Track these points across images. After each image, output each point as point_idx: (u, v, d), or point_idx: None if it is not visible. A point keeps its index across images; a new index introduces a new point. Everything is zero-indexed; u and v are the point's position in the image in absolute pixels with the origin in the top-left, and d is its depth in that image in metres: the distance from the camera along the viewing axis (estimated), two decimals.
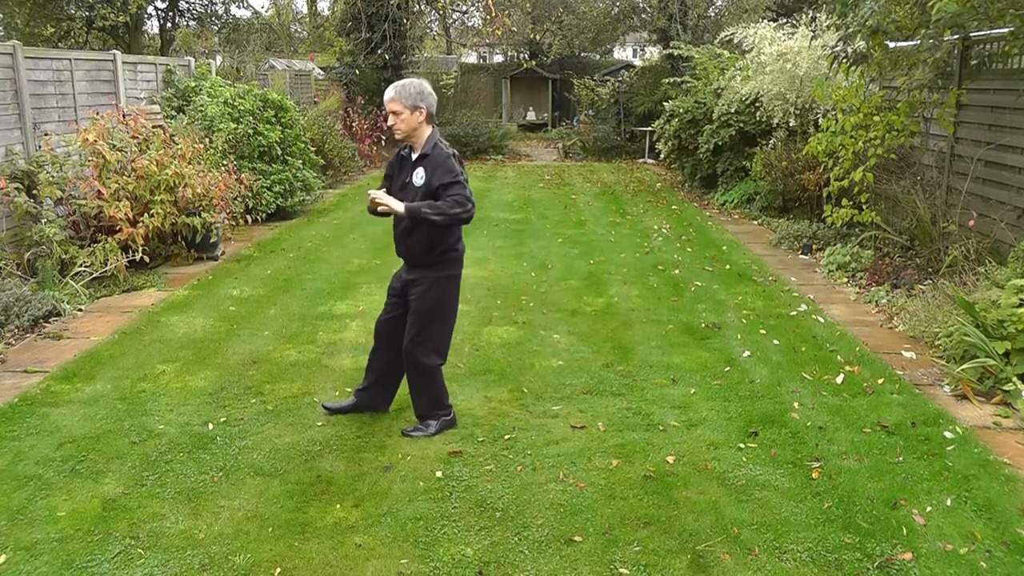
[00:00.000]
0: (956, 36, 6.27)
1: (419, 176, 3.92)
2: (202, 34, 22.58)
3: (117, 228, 6.89)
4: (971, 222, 6.28)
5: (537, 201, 12.25)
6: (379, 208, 3.89)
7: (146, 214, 7.16)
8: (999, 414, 4.42)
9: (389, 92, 3.90)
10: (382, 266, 7.71)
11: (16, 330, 5.71)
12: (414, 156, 3.98)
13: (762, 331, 5.83)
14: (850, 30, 6.53)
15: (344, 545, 3.21)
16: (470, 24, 27.64)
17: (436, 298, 4.04)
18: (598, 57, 27.59)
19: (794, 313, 6.28)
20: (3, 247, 6.61)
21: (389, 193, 4.01)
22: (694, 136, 12.12)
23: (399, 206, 3.82)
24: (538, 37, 24.99)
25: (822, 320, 6.09)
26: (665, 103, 13.17)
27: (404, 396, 4.47)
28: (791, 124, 9.81)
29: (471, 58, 36.65)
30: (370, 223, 9.90)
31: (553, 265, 7.94)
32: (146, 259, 7.23)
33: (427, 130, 3.94)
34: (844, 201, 7.54)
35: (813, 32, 9.89)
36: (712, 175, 12.08)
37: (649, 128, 16.46)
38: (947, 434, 4.14)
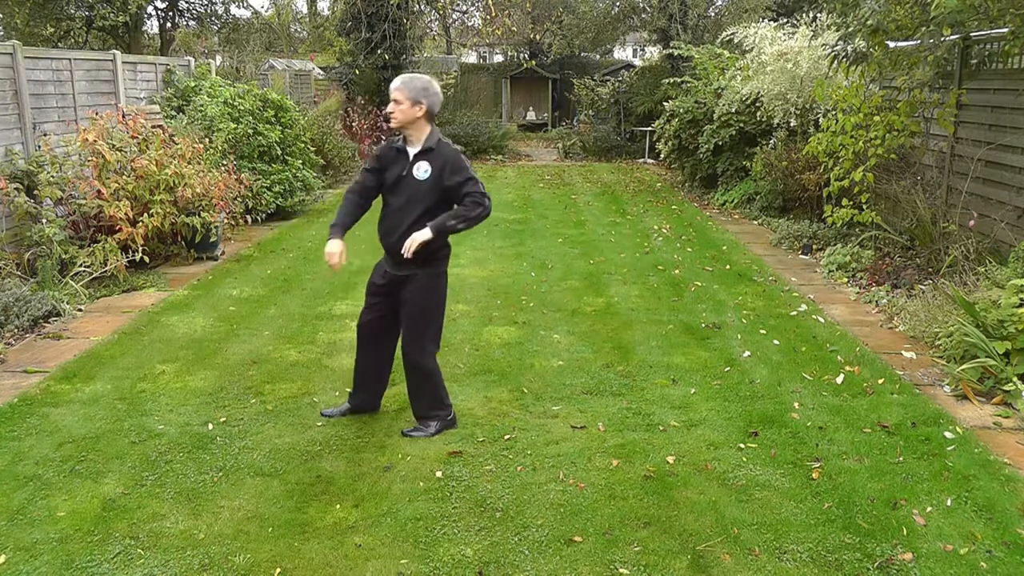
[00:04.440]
0: (956, 36, 6.27)
1: (422, 170, 3.88)
2: (202, 34, 22.58)
3: (117, 228, 6.88)
4: (971, 222, 6.27)
5: (537, 201, 12.25)
6: (409, 255, 3.83)
7: (146, 214, 7.16)
8: (999, 414, 4.41)
9: (396, 81, 3.92)
10: None
11: (16, 330, 5.71)
12: (412, 150, 3.95)
13: (762, 331, 5.83)
14: (850, 29, 6.53)
15: (344, 545, 3.21)
16: (470, 24, 27.63)
17: (431, 294, 4.04)
18: (598, 57, 27.59)
19: (794, 313, 6.28)
20: (3, 247, 6.60)
21: (381, 186, 4.00)
22: (694, 136, 12.12)
23: (424, 236, 3.79)
24: (538, 37, 24.98)
25: (822, 320, 6.09)
26: (665, 103, 13.16)
27: (405, 395, 4.47)
28: (791, 124, 9.80)
29: (471, 58, 36.64)
30: (370, 223, 9.86)
31: (553, 265, 7.94)
32: (146, 259, 7.23)
33: (426, 127, 3.93)
34: (844, 201, 7.54)
35: (813, 31, 9.89)
36: (712, 175, 12.08)
37: (649, 128, 16.46)
38: (947, 434, 4.13)
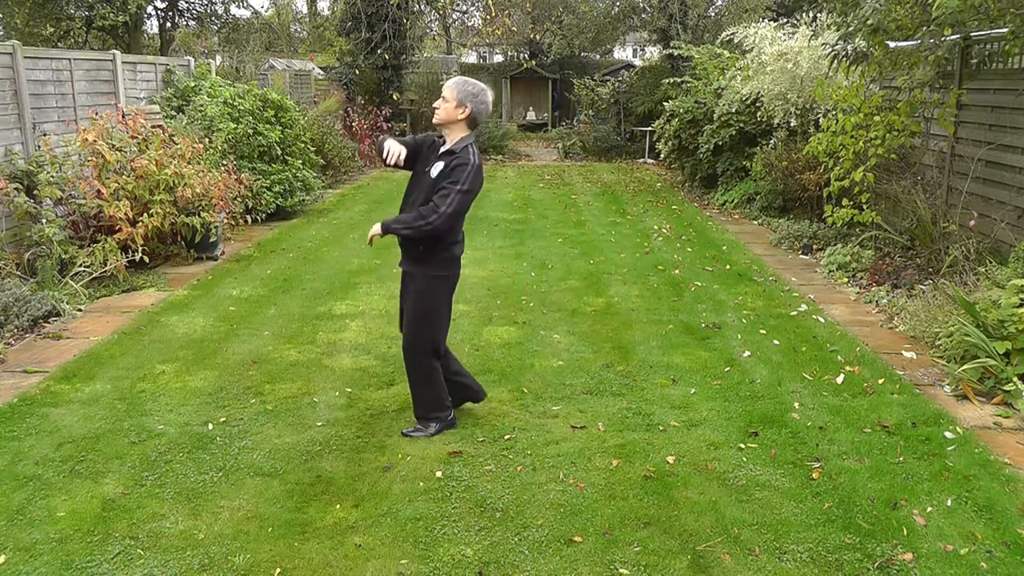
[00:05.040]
0: (957, 35, 6.27)
1: (436, 169, 3.92)
2: (202, 34, 22.58)
3: (117, 228, 6.88)
4: (972, 222, 6.28)
5: (537, 201, 12.25)
6: (368, 244, 4.00)
7: (146, 214, 7.16)
8: (999, 414, 4.41)
9: (450, 80, 4.00)
10: (382, 266, 7.71)
11: (16, 330, 5.71)
12: (441, 149, 3.97)
13: (762, 331, 5.83)
14: (850, 29, 6.53)
15: (344, 545, 3.20)
16: (470, 24, 27.64)
17: (427, 297, 4.03)
18: (598, 57, 27.61)
19: (794, 313, 6.28)
20: (3, 247, 6.60)
21: (412, 167, 4.05)
22: (694, 136, 12.12)
23: (375, 230, 3.91)
24: (538, 37, 24.99)
25: (822, 320, 6.09)
26: (665, 103, 13.16)
27: (405, 396, 4.47)
28: (792, 124, 9.80)
29: (471, 58, 36.65)
30: (370, 223, 9.89)
31: (553, 265, 7.94)
32: (146, 259, 7.22)
33: (462, 131, 3.95)
34: (844, 201, 7.54)
35: (813, 31, 9.89)
36: (712, 175, 12.08)
37: (649, 128, 16.46)
38: (947, 434, 4.13)
